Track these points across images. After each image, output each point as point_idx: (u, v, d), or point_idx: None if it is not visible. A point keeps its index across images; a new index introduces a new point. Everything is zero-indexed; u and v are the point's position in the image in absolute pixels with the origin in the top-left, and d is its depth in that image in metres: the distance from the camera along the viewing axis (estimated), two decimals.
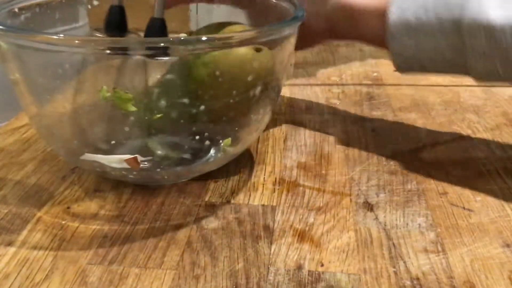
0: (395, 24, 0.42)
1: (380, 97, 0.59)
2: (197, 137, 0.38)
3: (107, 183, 0.41)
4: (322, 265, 0.32)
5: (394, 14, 0.42)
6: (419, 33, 0.41)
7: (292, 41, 0.39)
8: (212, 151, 0.40)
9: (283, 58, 0.40)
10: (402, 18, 0.41)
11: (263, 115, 0.40)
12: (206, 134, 0.38)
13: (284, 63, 0.40)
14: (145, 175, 0.40)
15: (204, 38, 0.33)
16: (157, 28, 0.39)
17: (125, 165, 0.37)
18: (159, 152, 0.39)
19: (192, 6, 0.51)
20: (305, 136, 0.49)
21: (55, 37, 0.33)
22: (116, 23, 0.42)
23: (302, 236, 0.35)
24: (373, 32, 0.44)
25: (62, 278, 0.31)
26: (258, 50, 0.37)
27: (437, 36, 0.40)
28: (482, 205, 0.38)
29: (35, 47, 0.34)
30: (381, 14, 0.43)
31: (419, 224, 0.36)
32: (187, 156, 0.39)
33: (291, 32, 0.38)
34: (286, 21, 0.38)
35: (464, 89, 0.61)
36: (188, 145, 0.40)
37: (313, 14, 0.46)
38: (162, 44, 0.33)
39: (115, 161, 0.37)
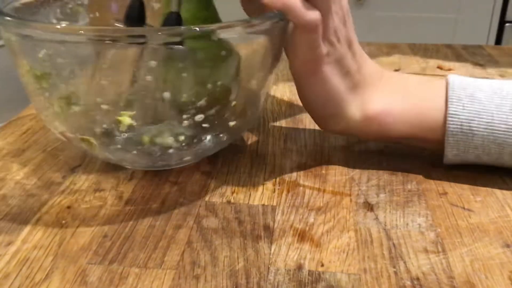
0: (452, 160, 0.42)
1: None
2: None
3: (107, 183, 0.41)
4: (322, 265, 0.32)
5: (451, 155, 0.42)
6: (479, 162, 0.42)
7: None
8: (208, 137, 0.40)
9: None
10: (461, 158, 0.42)
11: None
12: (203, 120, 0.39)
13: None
14: (150, 160, 0.41)
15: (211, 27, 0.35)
16: (173, 21, 0.40)
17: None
18: (169, 139, 0.39)
19: None
20: (305, 136, 0.49)
21: (64, 26, 0.34)
22: (135, 16, 0.44)
23: (302, 236, 0.35)
24: (398, 132, 0.44)
25: (62, 278, 0.31)
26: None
27: (500, 165, 0.42)
28: (482, 205, 0.38)
29: (49, 38, 0.35)
30: (427, 141, 0.42)
31: (419, 224, 0.36)
32: (182, 143, 0.40)
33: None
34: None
35: None
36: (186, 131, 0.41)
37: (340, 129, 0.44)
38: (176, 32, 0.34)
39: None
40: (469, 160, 0.42)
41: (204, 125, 0.39)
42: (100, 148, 0.39)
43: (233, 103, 0.39)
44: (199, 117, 0.38)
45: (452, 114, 0.40)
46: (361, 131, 0.43)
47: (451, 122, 0.40)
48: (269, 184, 0.41)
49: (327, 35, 0.39)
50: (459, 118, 0.40)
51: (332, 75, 0.41)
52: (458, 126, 0.40)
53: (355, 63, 0.42)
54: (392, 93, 0.43)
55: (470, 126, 0.40)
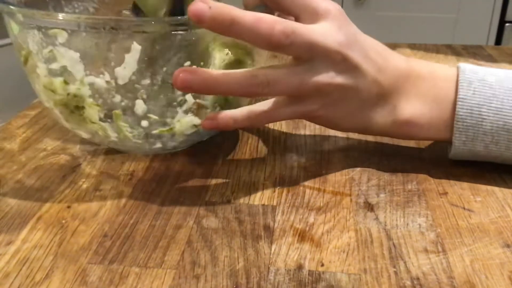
0: (459, 150, 0.41)
1: None
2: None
3: (107, 182, 0.41)
4: (322, 265, 0.32)
5: (459, 142, 0.40)
6: (487, 157, 0.41)
7: None
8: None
9: None
10: (469, 147, 0.41)
11: None
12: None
13: None
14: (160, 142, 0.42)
15: None
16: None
17: None
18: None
19: None
20: (305, 136, 0.49)
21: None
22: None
23: (302, 236, 0.35)
24: (425, 137, 0.43)
25: (62, 277, 0.31)
26: None
27: (508, 159, 0.41)
28: (482, 205, 0.38)
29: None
30: (438, 128, 0.41)
31: (419, 224, 0.36)
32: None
33: None
34: None
35: None
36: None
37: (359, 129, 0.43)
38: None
39: None
40: (476, 151, 0.41)
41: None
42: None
43: None
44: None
45: (462, 98, 0.39)
46: (384, 134, 0.43)
47: (461, 107, 0.39)
48: (269, 184, 0.41)
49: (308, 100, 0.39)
50: (469, 103, 0.39)
51: (342, 110, 0.40)
52: (468, 111, 0.39)
53: (368, 81, 0.40)
54: (420, 100, 0.41)
55: (479, 111, 0.39)
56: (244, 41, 0.36)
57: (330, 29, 0.38)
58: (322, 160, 0.45)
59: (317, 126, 0.51)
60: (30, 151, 0.46)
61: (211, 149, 0.46)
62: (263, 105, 0.40)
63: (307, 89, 0.38)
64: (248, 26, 0.35)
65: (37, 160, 0.45)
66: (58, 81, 0.38)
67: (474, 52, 0.76)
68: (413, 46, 0.79)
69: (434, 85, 0.41)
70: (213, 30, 0.35)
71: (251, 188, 0.41)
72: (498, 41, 1.73)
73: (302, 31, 0.36)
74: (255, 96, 0.40)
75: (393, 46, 0.78)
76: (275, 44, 0.36)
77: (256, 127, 0.49)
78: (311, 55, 0.37)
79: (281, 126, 0.51)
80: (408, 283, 0.31)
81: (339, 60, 0.38)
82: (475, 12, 1.70)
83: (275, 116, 0.40)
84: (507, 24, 1.71)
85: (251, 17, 0.35)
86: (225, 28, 0.35)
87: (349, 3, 1.72)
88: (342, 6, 1.68)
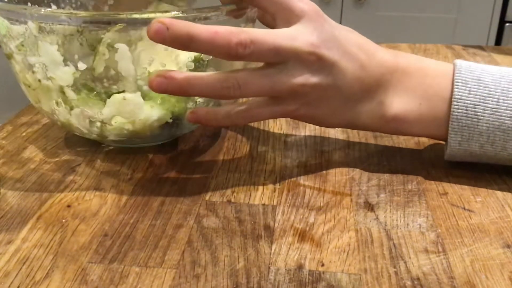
0: (454, 151, 0.41)
1: None
2: None
3: (107, 181, 0.41)
4: (322, 265, 0.32)
5: (455, 142, 0.40)
6: (483, 157, 0.41)
7: None
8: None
9: None
10: (465, 147, 0.40)
11: None
12: None
13: None
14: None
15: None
16: None
17: None
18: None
19: None
20: (305, 136, 0.49)
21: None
22: None
23: (302, 235, 0.35)
24: (416, 133, 0.43)
25: (62, 277, 0.31)
26: None
27: (503, 159, 0.41)
28: (483, 206, 0.38)
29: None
30: (433, 123, 0.41)
31: (420, 225, 0.36)
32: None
33: None
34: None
35: None
36: None
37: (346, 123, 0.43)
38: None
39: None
40: (472, 151, 0.40)
41: None
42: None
43: None
44: None
45: (457, 98, 0.39)
46: (374, 129, 0.44)
47: (456, 107, 0.39)
48: (269, 184, 0.41)
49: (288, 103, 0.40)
50: (464, 103, 0.39)
51: (324, 108, 0.40)
52: (463, 111, 0.39)
53: (348, 78, 0.39)
54: (408, 96, 0.41)
55: (475, 111, 0.39)
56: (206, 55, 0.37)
57: (304, 31, 0.38)
58: (322, 160, 0.45)
59: (317, 126, 0.51)
60: (30, 151, 0.46)
61: (211, 149, 0.46)
62: (244, 105, 0.40)
63: (281, 90, 0.38)
64: (206, 42, 0.35)
65: (37, 159, 0.45)
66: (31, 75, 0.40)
67: (474, 53, 0.76)
68: (413, 46, 0.79)
69: (423, 82, 0.41)
70: (174, 48, 0.36)
71: (251, 188, 0.41)
72: (498, 41, 1.73)
73: (263, 38, 0.36)
74: (228, 98, 0.40)
75: (393, 46, 0.78)
76: (234, 56, 0.36)
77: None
78: (281, 59, 0.37)
79: (281, 126, 0.51)
80: (409, 283, 0.31)
81: (313, 61, 0.38)
82: (475, 12, 1.70)
83: (255, 116, 0.41)
84: (507, 24, 1.71)
85: (207, 32, 0.35)
86: (185, 46, 0.35)
87: (349, 3, 1.72)
88: (342, 6, 1.69)
